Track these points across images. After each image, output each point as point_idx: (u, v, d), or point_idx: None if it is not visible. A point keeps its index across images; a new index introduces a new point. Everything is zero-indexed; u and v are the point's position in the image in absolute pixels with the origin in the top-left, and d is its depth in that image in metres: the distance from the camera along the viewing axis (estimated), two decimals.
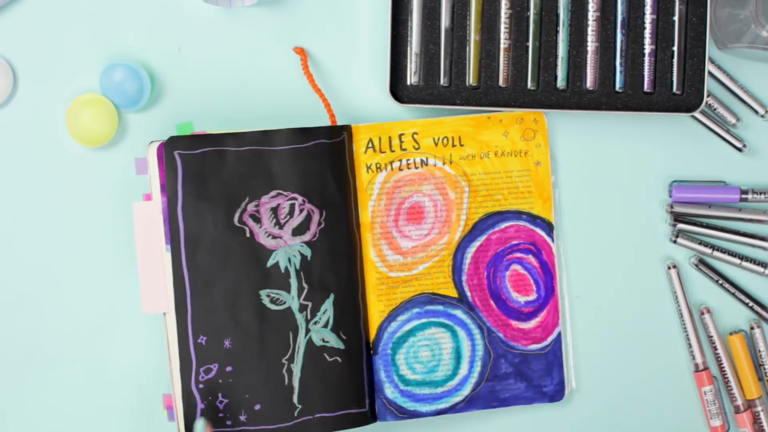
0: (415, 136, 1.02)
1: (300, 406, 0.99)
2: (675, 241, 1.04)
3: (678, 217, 1.05)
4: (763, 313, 1.05)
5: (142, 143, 1.02)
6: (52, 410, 1.03)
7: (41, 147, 1.02)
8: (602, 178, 1.05)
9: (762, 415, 1.05)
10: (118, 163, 1.02)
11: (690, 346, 1.05)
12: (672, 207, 1.04)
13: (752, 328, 1.05)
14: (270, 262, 0.99)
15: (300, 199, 0.99)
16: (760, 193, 1.04)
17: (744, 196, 1.04)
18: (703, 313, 1.05)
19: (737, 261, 1.04)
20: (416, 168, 1.02)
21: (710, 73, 1.05)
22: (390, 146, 1.01)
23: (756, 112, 1.05)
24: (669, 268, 1.05)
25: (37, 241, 1.02)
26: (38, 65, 1.01)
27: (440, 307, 1.02)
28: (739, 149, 1.05)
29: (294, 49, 1.02)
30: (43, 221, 1.02)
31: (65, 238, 1.02)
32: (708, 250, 1.04)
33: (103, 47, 1.02)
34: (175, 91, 1.02)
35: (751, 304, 1.05)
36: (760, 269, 1.04)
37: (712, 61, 1.05)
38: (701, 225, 1.04)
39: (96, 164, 1.02)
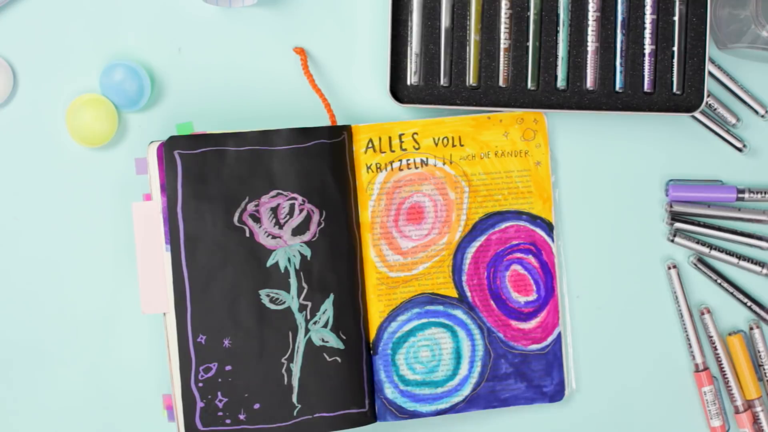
0: (415, 136, 1.01)
1: (299, 406, 0.99)
2: (672, 240, 1.04)
3: (676, 216, 1.05)
4: (762, 313, 1.05)
5: (142, 143, 1.02)
6: (52, 410, 1.03)
7: (41, 147, 1.02)
8: (602, 178, 1.05)
9: (762, 416, 1.05)
10: (118, 163, 1.02)
11: (690, 346, 1.05)
12: (671, 206, 1.04)
13: (751, 329, 1.05)
14: (270, 262, 0.99)
15: (300, 199, 0.99)
16: (757, 193, 1.04)
17: (741, 195, 1.04)
18: (703, 313, 1.05)
19: (735, 260, 1.04)
20: (416, 168, 1.02)
21: (710, 73, 1.05)
22: (390, 146, 1.01)
23: (756, 112, 1.05)
24: (669, 268, 1.05)
25: (38, 241, 1.02)
26: (38, 65, 1.02)
27: (440, 308, 1.02)
28: (739, 149, 1.05)
29: (294, 49, 1.02)
30: (43, 221, 1.02)
31: (65, 238, 1.02)
32: (705, 249, 1.04)
33: (103, 47, 1.02)
34: (175, 91, 1.02)
35: (750, 304, 1.05)
36: (758, 268, 1.04)
37: (712, 61, 1.05)
38: (699, 224, 1.04)
39: (96, 164, 1.02)
